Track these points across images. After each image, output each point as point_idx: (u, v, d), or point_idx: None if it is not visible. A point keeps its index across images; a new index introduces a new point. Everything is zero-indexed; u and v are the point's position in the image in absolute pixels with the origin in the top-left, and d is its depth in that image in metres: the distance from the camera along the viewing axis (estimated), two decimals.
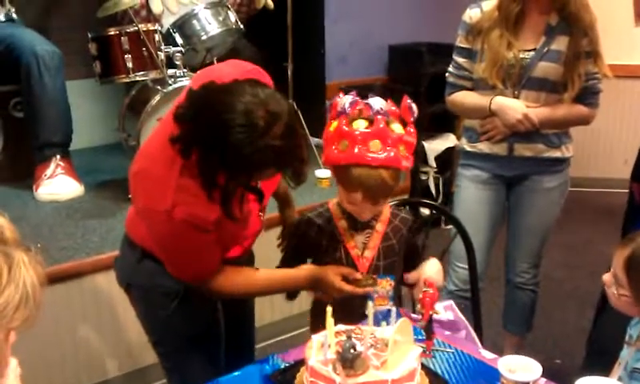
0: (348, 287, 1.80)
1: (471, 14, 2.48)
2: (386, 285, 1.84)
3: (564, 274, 3.89)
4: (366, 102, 1.74)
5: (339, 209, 1.90)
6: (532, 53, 2.41)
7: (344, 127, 1.72)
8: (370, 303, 1.83)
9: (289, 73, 3.96)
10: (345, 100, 1.74)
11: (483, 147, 2.55)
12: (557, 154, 2.53)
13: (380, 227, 1.89)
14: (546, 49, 2.40)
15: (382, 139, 1.70)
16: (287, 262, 1.97)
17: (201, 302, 1.85)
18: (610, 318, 2.19)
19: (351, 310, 1.77)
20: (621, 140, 5.07)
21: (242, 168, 1.61)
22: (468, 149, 2.61)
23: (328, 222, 1.90)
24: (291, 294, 2.00)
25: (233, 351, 2.06)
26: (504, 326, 2.88)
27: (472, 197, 2.60)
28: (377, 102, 1.72)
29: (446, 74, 2.61)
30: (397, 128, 1.74)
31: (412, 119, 1.76)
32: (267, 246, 3.03)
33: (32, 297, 0.99)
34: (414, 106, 1.76)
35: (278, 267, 1.99)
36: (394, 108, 1.76)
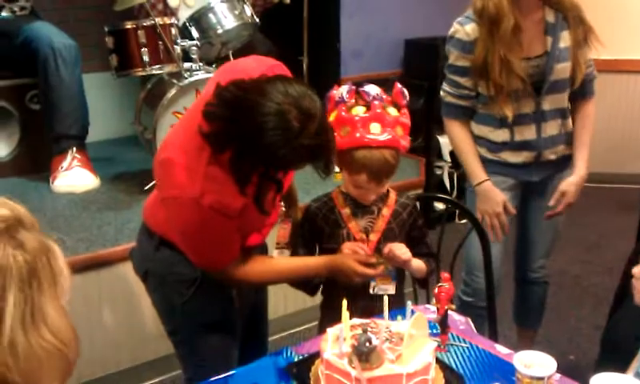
0: (369, 271, 1.86)
1: (467, 30, 2.31)
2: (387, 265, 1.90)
3: (579, 270, 3.87)
4: (361, 89, 1.86)
5: (342, 196, 1.99)
6: (544, 58, 2.34)
7: (343, 114, 1.85)
8: (372, 283, 1.88)
9: (304, 67, 3.97)
10: (342, 89, 1.87)
11: (507, 157, 2.44)
12: (571, 149, 2.50)
13: (386, 211, 1.97)
14: (557, 51, 2.33)
15: (380, 122, 1.84)
16: (298, 252, 2.02)
17: (216, 289, 1.86)
18: (626, 315, 2.19)
19: (355, 292, 1.84)
20: (638, 135, 5.03)
21: (278, 167, 1.66)
22: (490, 157, 2.48)
23: (331, 210, 1.98)
24: (312, 289, 2.03)
25: (247, 341, 2.08)
26: (516, 321, 2.86)
27: None
28: (372, 89, 1.86)
29: (442, 93, 2.48)
30: (392, 111, 1.87)
31: (404, 103, 1.89)
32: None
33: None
34: (404, 90, 1.89)
35: (294, 244, 2.05)
36: (385, 96, 1.88)
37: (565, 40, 2.35)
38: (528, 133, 2.41)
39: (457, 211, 4.12)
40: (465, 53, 2.34)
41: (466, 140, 2.47)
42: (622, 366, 1.61)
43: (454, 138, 2.51)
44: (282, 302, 3.20)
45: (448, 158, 4.58)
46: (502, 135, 2.42)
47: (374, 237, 1.95)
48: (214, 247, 1.75)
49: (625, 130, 5.01)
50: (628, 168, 5.03)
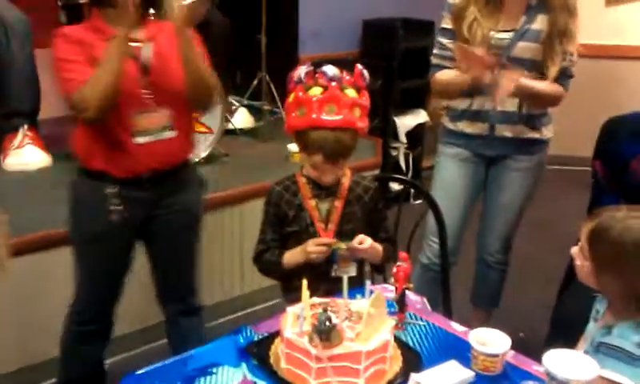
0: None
1: None
2: (340, 246, 1.92)
3: (530, 249, 3.95)
4: (319, 70, 1.88)
5: (304, 178, 2.00)
6: (512, 33, 2.41)
7: (300, 95, 1.88)
8: (334, 266, 1.90)
9: (262, 46, 3.94)
10: (300, 70, 1.89)
11: (464, 127, 2.56)
12: (537, 135, 2.56)
13: (338, 203, 1.99)
14: (525, 28, 2.40)
15: (336, 103, 1.86)
16: (271, 226, 2.04)
17: (93, 202, 2.12)
18: (574, 294, 2.26)
19: (317, 275, 1.86)
20: (589, 118, 5.14)
21: None
22: (450, 127, 2.62)
23: (294, 194, 2.00)
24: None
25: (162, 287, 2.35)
26: (472, 301, 2.94)
27: (451, 173, 2.62)
28: (330, 70, 1.88)
29: (430, 57, 2.59)
30: (350, 93, 1.89)
31: (364, 84, 1.92)
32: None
33: None
34: (365, 72, 1.92)
35: (262, 230, 2.06)
36: (347, 77, 1.90)
37: (540, 23, 2.40)
38: (483, 104, 2.49)
39: (412, 191, 4.20)
40: (449, 13, 2.47)
41: (448, 71, 2.50)
42: (570, 343, 1.67)
43: (438, 78, 2.54)
44: (239, 282, 3.20)
45: (404, 139, 4.62)
46: (463, 103, 2.53)
47: (331, 226, 1.98)
48: (64, 71, 1.99)
49: (581, 114, 5.12)
50: (581, 151, 5.16)
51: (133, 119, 2.05)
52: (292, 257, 1.98)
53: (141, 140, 2.07)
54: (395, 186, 4.25)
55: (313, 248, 1.90)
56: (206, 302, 3.09)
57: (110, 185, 2.09)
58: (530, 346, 1.89)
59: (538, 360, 1.58)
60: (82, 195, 2.19)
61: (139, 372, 1.55)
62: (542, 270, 3.71)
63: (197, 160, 3.34)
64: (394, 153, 4.64)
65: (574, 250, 1.68)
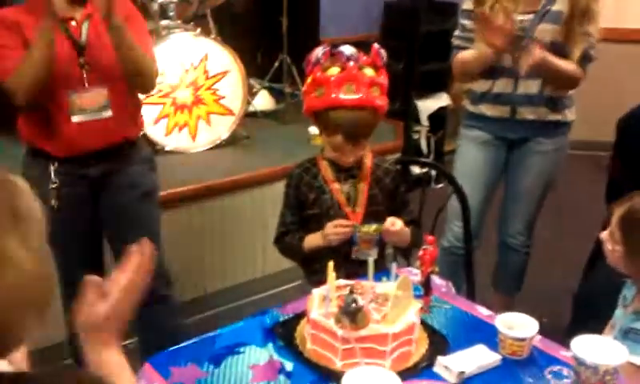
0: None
1: None
2: (369, 229, 1.90)
3: (550, 234, 3.93)
4: (336, 50, 1.86)
5: (325, 161, 1.99)
6: (532, 15, 2.38)
7: (318, 75, 1.87)
8: (354, 247, 1.90)
9: (283, 27, 3.91)
10: (317, 51, 1.88)
11: (485, 110, 2.55)
12: (559, 117, 2.53)
13: (363, 185, 1.97)
14: (546, 9, 2.38)
15: (355, 82, 1.85)
16: (290, 208, 2.03)
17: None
18: (598, 278, 2.24)
19: (339, 256, 1.83)
20: (609, 103, 5.08)
21: None
22: (471, 110, 2.60)
23: (315, 176, 1.99)
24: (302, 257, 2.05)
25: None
26: (494, 286, 2.92)
27: (473, 156, 2.61)
28: (347, 49, 1.86)
29: (452, 39, 2.57)
30: (369, 72, 1.88)
31: (382, 63, 1.90)
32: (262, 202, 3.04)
33: None
34: (382, 51, 1.90)
35: (283, 213, 2.04)
36: (365, 57, 1.88)
37: (561, 3, 2.37)
38: (505, 86, 2.48)
39: (433, 175, 4.18)
40: None
41: (469, 50, 2.48)
42: (594, 328, 1.66)
43: (460, 58, 2.52)
44: (261, 264, 3.21)
45: (426, 122, 4.60)
46: (484, 85, 2.51)
47: (359, 209, 1.96)
48: None
49: (601, 98, 5.06)
50: (601, 135, 5.11)
51: (69, 98, 2.04)
52: (312, 240, 1.97)
53: (77, 119, 2.05)
54: (416, 170, 4.24)
55: (330, 230, 1.89)
56: (229, 284, 3.14)
57: (51, 163, 2.09)
58: (551, 330, 1.88)
59: (561, 344, 1.58)
60: (28, 174, 2.06)
61: (167, 350, 1.56)
62: (562, 254, 3.69)
63: (210, 146, 3.35)
64: (415, 136, 4.61)
65: (604, 234, 1.67)
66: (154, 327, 2.24)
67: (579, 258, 2.65)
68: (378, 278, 1.64)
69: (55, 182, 2.08)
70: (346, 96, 1.84)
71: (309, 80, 1.91)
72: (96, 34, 2.05)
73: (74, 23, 2.04)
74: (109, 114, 2.09)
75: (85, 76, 2.04)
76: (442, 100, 4.66)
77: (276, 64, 4.05)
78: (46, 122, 2.07)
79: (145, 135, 2.73)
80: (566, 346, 1.54)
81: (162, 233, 2.32)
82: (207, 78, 3.29)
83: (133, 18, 2.13)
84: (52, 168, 2.09)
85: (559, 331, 2.22)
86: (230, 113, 3.37)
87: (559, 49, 2.39)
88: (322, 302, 1.54)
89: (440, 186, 4.08)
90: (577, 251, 2.72)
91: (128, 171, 2.20)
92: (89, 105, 2.06)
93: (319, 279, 1.68)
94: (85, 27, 2.04)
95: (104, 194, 2.19)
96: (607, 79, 5.07)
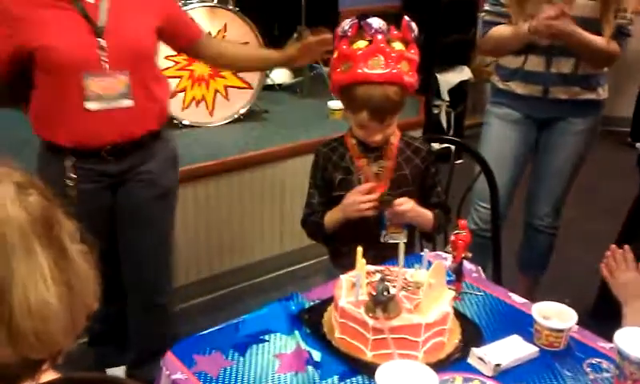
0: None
1: None
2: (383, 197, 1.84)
3: (574, 213, 3.84)
4: (364, 22, 1.76)
5: (355, 141, 1.90)
6: None
7: (345, 48, 1.77)
8: (383, 231, 1.85)
9: None
10: (344, 23, 1.78)
11: (516, 87, 2.47)
12: (593, 95, 2.45)
13: (388, 164, 1.89)
14: None
15: (383, 56, 1.74)
16: (317, 189, 1.96)
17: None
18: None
19: (366, 239, 1.72)
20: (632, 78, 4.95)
21: None
22: (501, 87, 2.52)
23: (342, 157, 1.91)
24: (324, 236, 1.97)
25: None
26: (519, 267, 2.85)
27: (500, 135, 2.54)
28: (376, 22, 1.76)
29: (482, 14, 2.48)
30: (398, 46, 1.77)
31: (413, 37, 1.79)
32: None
33: None
34: (413, 24, 1.79)
35: (310, 193, 1.97)
36: (395, 32, 1.78)
37: None
38: (537, 65, 2.40)
39: (452, 150, 4.08)
40: None
41: (503, 26, 2.41)
42: (619, 313, 1.60)
43: (492, 35, 2.44)
44: (278, 240, 3.16)
45: (446, 97, 4.49)
46: (515, 62, 2.44)
47: (382, 183, 1.88)
48: None
49: (624, 73, 4.94)
50: (625, 111, 5.00)
51: (84, 82, 1.84)
52: (332, 215, 1.90)
53: (92, 106, 1.86)
54: (435, 146, 4.14)
55: (351, 199, 1.81)
56: (247, 261, 3.09)
57: (67, 157, 1.92)
58: (575, 312, 1.82)
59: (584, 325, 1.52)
60: (43, 168, 1.98)
61: (190, 337, 1.51)
62: (585, 234, 3.60)
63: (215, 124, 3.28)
64: (435, 111, 4.51)
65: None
66: (149, 336, 2.20)
67: (603, 238, 2.56)
68: (408, 264, 1.58)
69: (72, 179, 1.92)
70: (374, 71, 1.74)
71: (335, 55, 1.81)
72: (115, 14, 1.86)
73: (91, 1, 1.85)
74: (129, 103, 1.90)
75: (103, 59, 1.85)
76: (463, 74, 4.54)
77: (294, 35, 3.95)
78: (57, 108, 1.90)
79: None
80: (591, 327, 1.51)
81: (175, 228, 2.26)
82: None
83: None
84: (69, 164, 1.92)
85: (584, 312, 2.15)
86: (248, 86, 3.30)
87: (592, 25, 2.30)
88: (351, 289, 1.48)
89: (460, 161, 3.99)
90: (600, 231, 2.65)
91: (149, 167, 2.03)
92: (106, 91, 1.87)
93: (345, 263, 1.61)
94: (103, 6, 1.86)
95: (121, 189, 2.04)
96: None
